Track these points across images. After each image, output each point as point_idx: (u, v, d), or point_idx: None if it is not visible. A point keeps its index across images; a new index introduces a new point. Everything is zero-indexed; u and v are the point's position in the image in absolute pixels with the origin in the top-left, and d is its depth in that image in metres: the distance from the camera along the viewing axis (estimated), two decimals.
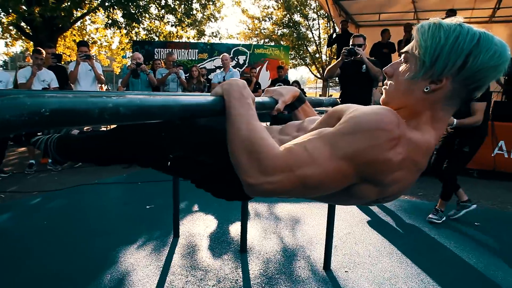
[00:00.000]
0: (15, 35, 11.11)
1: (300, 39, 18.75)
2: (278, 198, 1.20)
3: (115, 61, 14.87)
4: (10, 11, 8.45)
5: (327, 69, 4.20)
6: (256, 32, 19.84)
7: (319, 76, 19.62)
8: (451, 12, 4.92)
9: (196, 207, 3.22)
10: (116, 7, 9.85)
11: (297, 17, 18.98)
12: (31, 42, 9.58)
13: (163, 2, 11.30)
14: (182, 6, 11.54)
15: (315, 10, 18.43)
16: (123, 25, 10.56)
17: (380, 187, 0.71)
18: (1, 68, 24.65)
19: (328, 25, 16.73)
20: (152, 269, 2.06)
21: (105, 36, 12.89)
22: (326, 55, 18.45)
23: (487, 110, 2.97)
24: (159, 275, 1.99)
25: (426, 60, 0.72)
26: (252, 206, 3.20)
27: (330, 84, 19.04)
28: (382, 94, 0.84)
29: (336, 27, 8.58)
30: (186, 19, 11.83)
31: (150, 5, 11.12)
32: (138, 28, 11.39)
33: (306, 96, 1.28)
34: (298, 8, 18.52)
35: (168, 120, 0.72)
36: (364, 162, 0.66)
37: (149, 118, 0.67)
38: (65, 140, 1.23)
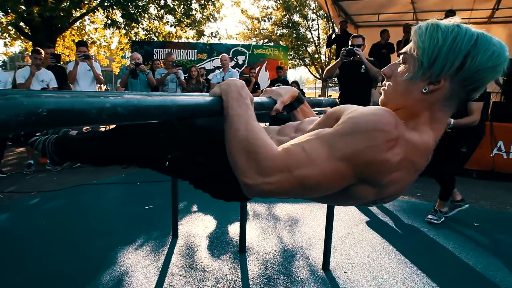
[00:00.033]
0: (14, 35, 11.08)
1: (299, 40, 18.77)
2: (276, 198, 1.19)
3: (114, 61, 14.87)
4: (9, 11, 8.42)
5: (326, 69, 4.20)
6: (256, 32, 19.85)
7: (318, 77, 19.64)
8: (450, 13, 4.91)
9: (195, 208, 3.22)
10: (115, 7, 9.83)
11: (296, 18, 18.99)
12: (30, 42, 9.55)
13: (162, 2, 11.30)
14: (182, 6, 11.53)
15: (314, 11, 18.44)
16: (122, 25, 10.54)
17: (378, 188, 0.71)
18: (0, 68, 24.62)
19: (327, 25, 16.76)
20: (151, 270, 2.05)
21: (104, 36, 12.88)
22: (325, 56, 18.45)
23: (485, 110, 2.97)
24: (158, 276, 1.99)
25: (424, 61, 0.72)
26: (251, 207, 3.20)
27: (329, 84, 19.11)
28: (381, 94, 0.84)
29: (335, 28, 8.59)
30: (185, 19, 11.83)
31: (149, 5, 11.11)
32: (137, 28, 11.39)
33: (305, 96, 1.28)
34: (298, 9, 18.54)
35: (166, 120, 0.72)
36: (362, 163, 0.66)
37: (147, 119, 0.67)
38: (63, 140, 1.23)
